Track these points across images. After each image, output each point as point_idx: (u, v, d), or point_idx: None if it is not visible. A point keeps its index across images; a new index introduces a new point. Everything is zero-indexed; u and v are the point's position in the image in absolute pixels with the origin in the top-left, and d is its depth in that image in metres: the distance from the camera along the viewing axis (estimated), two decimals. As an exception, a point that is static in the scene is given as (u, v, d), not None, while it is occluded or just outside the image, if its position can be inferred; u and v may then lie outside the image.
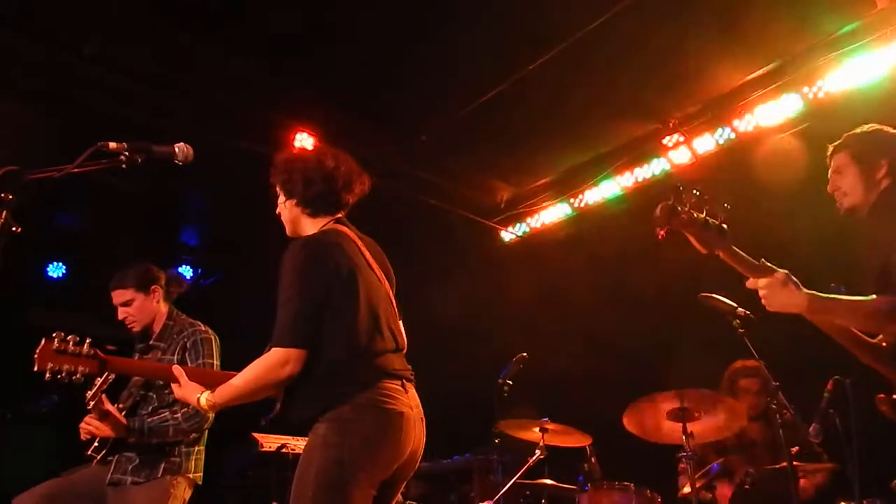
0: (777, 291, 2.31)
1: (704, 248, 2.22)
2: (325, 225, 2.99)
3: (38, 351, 3.03)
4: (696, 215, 2.19)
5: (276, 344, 2.70)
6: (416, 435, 2.79)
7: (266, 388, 2.75)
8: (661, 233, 2.18)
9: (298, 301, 2.73)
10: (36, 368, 3.01)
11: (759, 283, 2.33)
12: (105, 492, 3.71)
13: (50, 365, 2.99)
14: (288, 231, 3.09)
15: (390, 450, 2.70)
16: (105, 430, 3.64)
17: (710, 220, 2.21)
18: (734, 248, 2.27)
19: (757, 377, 4.71)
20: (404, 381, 2.81)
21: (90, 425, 3.67)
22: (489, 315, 7.14)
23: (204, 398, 2.82)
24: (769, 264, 2.34)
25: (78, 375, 3.04)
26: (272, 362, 2.68)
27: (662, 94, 5.99)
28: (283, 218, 3.09)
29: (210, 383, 2.89)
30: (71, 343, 3.03)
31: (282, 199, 3.06)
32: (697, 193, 2.20)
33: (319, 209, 3.01)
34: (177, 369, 2.95)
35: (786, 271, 2.33)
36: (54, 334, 3.06)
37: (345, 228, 3.01)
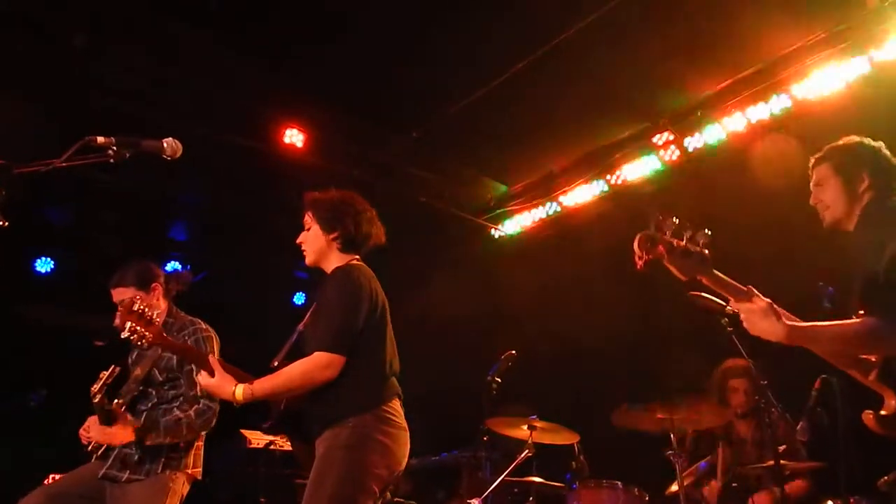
0: (758, 318, 2.34)
1: (685, 276, 2.23)
2: (349, 261, 3.27)
3: (120, 307, 3.26)
4: (675, 244, 2.19)
5: (320, 349, 2.99)
6: (407, 449, 3.14)
7: (305, 386, 3.00)
8: (640, 263, 2.18)
9: (345, 316, 3.05)
10: (117, 322, 3.27)
11: (741, 308, 2.35)
12: (103, 487, 3.66)
13: (129, 324, 3.18)
14: (309, 259, 3.33)
15: (397, 458, 3.04)
16: (117, 437, 3.60)
17: (691, 248, 2.21)
18: (716, 273, 2.28)
19: (746, 377, 4.75)
20: (401, 402, 3.16)
21: (103, 433, 3.62)
22: (479, 312, 7.13)
23: (240, 390, 3.00)
24: (755, 291, 2.35)
25: (144, 342, 3.21)
26: (316, 364, 2.97)
27: (653, 92, 6.00)
28: (309, 247, 3.32)
29: None
30: (146, 309, 3.22)
31: (316, 230, 3.30)
32: (677, 221, 2.21)
33: (351, 248, 3.31)
34: (213, 359, 3.13)
35: (769, 301, 2.34)
36: (136, 297, 3.35)
37: (366, 266, 3.30)
